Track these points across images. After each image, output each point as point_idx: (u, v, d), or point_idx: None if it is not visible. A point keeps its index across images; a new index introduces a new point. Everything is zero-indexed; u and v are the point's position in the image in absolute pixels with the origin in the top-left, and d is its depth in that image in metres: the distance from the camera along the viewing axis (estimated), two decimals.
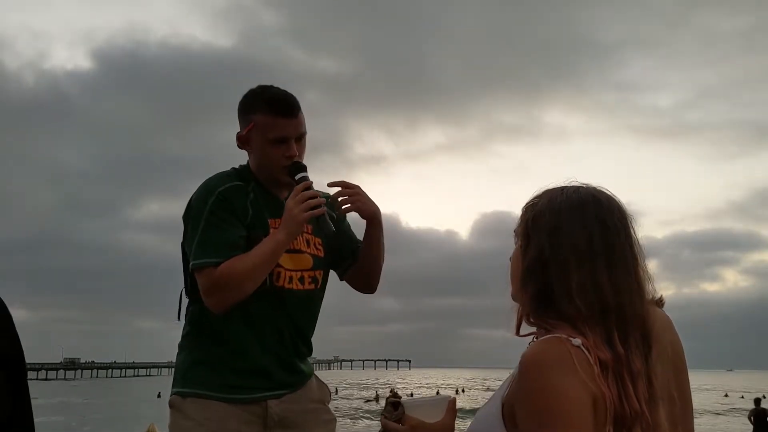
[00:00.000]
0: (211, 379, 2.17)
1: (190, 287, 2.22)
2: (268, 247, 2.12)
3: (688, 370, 1.68)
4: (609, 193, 1.32)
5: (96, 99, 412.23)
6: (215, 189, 2.19)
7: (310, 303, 2.32)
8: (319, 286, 2.34)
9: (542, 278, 1.25)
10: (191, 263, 2.14)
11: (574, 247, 1.23)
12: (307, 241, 2.30)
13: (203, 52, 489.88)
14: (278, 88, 2.24)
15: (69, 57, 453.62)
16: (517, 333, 1.29)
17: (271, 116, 2.17)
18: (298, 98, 2.26)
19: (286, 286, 2.23)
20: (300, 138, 2.23)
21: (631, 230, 1.29)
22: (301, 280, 2.27)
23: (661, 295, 1.85)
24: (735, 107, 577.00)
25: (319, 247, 2.34)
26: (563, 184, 1.33)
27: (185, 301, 2.30)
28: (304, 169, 2.21)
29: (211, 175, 2.27)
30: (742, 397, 44.26)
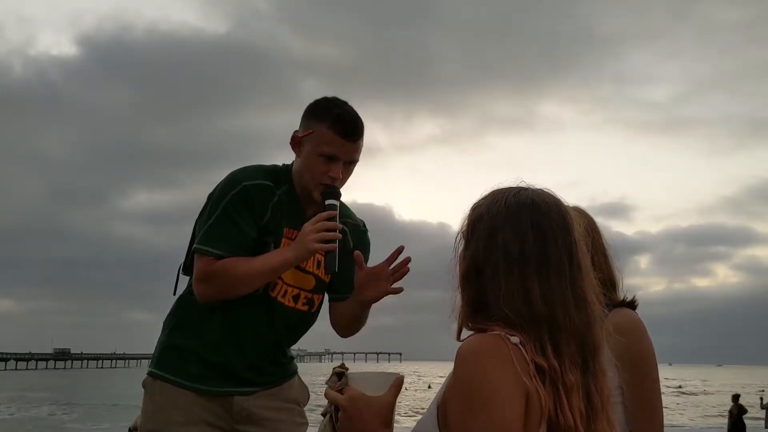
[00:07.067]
0: (182, 367, 2.19)
1: (188, 266, 2.24)
2: (274, 262, 2.11)
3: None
4: (553, 196, 1.27)
5: (83, 86, 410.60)
6: (241, 181, 2.15)
7: (298, 323, 2.30)
8: (313, 310, 2.32)
9: (477, 284, 1.23)
10: (195, 243, 2.15)
11: (506, 252, 1.20)
12: (318, 263, 2.26)
13: (194, 39, 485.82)
14: (351, 108, 2.19)
15: (55, 42, 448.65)
16: (458, 338, 1.26)
17: (332, 132, 2.11)
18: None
19: (279, 298, 2.22)
20: (351, 163, 2.18)
21: (573, 235, 1.23)
22: (296, 298, 2.25)
23: (634, 297, 1.81)
24: (731, 101, 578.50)
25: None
26: (511, 185, 1.29)
27: (182, 278, 2.30)
28: (336, 197, 2.15)
29: (245, 165, 2.24)
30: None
